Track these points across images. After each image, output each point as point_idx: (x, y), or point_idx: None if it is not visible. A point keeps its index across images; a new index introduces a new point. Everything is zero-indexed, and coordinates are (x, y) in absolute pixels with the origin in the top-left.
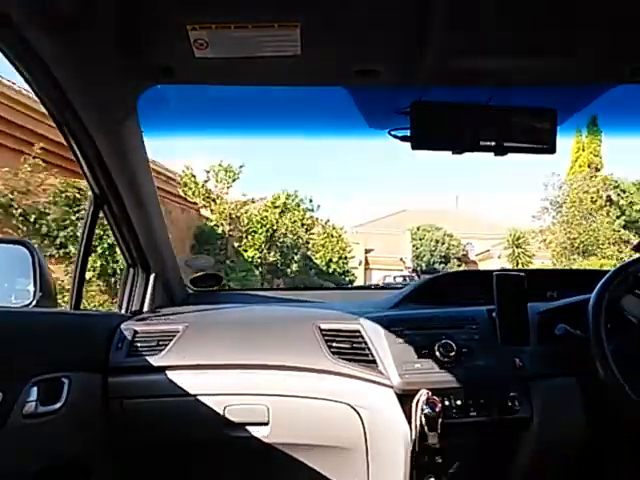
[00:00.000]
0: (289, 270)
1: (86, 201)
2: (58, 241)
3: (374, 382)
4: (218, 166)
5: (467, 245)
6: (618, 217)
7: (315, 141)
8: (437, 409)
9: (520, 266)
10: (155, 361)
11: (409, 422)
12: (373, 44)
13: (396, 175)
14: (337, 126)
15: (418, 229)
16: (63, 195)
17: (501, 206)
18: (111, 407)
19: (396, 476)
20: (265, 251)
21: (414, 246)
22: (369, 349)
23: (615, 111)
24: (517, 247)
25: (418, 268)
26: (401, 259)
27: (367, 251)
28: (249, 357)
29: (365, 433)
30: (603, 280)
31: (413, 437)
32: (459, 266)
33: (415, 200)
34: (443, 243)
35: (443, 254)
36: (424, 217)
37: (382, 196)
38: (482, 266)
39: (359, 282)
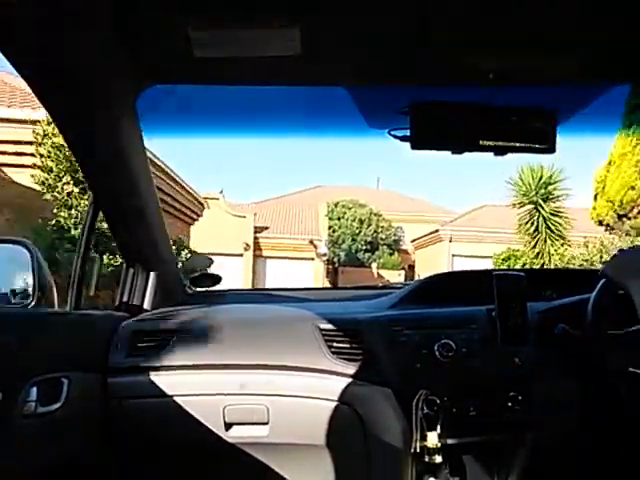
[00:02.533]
0: None
1: None
2: None
3: (374, 382)
4: None
5: (397, 229)
6: None
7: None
8: (436, 409)
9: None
10: (154, 361)
11: (409, 422)
12: (373, 44)
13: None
14: (337, 126)
15: (336, 205)
16: None
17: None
18: (111, 407)
19: (396, 476)
20: None
21: (330, 228)
22: (369, 349)
23: (614, 111)
24: None
25: (335, 258)
26: (311, 242)
27: (258, 230)
28: (248, 357)
29: (365, 433)
30: (604, 280)
31: (413, 437)
32: (391, 255)
33: (332, 178)
34: (369, 225)
35: (369, 239)
36: (342, 195)
37: (293, 172)
38: (424, 253)
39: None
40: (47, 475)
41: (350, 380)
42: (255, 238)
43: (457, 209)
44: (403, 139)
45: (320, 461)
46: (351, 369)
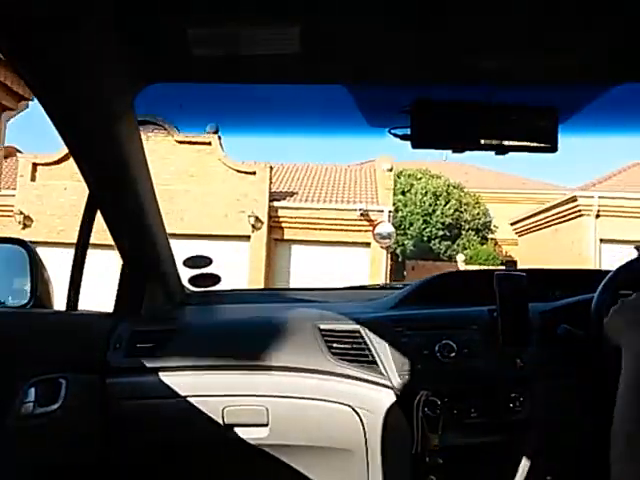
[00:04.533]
0: None
1: None
2: None
3: (374, 383)
4: None
5: (485, 210)
6: None
7: None
8: (438, 410)
9: None
10: (153, 362)
11: (410, 423)
12: (373, 43)
13: None
14: (336, 125)
15: (399, 176)
16: None
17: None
18: (109, 408)
19: (397, 478)
20: None
21: (394, 205)
22: (369, 350)
23: (615, 111)
24: None
25: (399, 249)
26: (365, 215)
27: (277, 197)
28: (248, 358)
29: (365, 434)
30: (606, 279)
31: (414, 438)
32: (482, 243)
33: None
34: (447, 201)
35: (448, 220)
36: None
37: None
38: (535, 240)
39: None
40: (45, 476)
41: (350, 381)
42: (272, 210)
43: (569, 184)
44: (404, 138)
45: (320, 463)
46: (352, 370)
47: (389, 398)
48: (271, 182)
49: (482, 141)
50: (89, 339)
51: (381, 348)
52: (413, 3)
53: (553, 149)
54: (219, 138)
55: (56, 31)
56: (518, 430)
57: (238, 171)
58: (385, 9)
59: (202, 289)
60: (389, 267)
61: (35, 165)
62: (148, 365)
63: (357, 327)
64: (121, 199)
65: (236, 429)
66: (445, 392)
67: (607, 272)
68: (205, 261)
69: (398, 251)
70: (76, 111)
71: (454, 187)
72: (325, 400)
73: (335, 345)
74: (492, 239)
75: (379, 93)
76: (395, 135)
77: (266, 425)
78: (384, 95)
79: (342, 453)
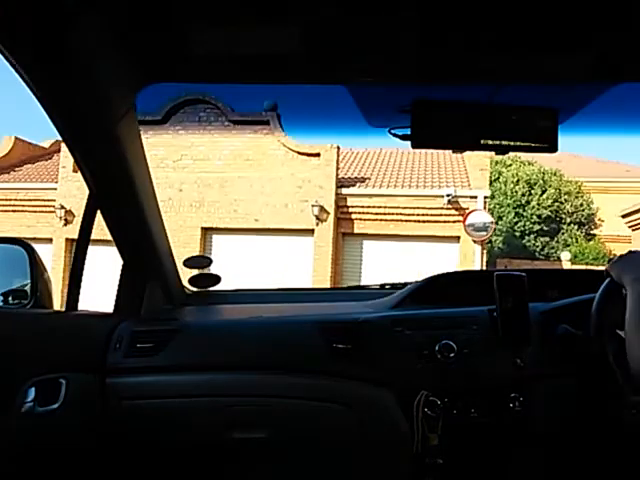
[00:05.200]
0: None
1: None
2: None
3: (374, 383)
4: None
5: (589, 201)
6: None
7: None
8: (438, 410)
9: None
10: (153, 362)
11: (409, 423)
12: (373, 42)
13: None
14: (336, 124)
15: (495, 163)
16: None
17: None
18: (109, 408)
19: (397, 478)
20: None
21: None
22: (370, 350)
23: (615, 111)
24: None
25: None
26: (454, 202)
27: (346, 183)
28: (248, 358)
29: (366, 434)
30: (608, 279)
31: (414, 438)
32: (589, 239)
33: None
34: (544, 190)
35: (546, 213)
36: None
37: None
38: None
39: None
40: (45, 476)
41: (351, 381)
42: (339, 198)
43: None
44: (404, 138)
45: (321, 463)
46: (352, 370)
47: (389, 398)
48: (338, 166)
49: (482, 141)
50: (89, 339)
51: (381, 348)
52: (413, 3)
53: (553, 149)
54: (278, 116)
55: (56, 31)
56: (518, 430)
57: (299, 153)
58: (385, 9)
59: (202, 289)
60: (484, 265)
61: None
62: (148, 365)
63: (357, 327)
64: (121, 199)
65: (236, 429)
66: (445, 392)
67: None
68: (205, 261)
69: (486, 247)
70: (76, 111)
71: (552, 174)
72: (325, 400)
73: (335, 345)
74: (597, 235)
75: (379, 93)
76: (395, 135)
77: (266, 425)
78: (384, 95)
79: (342, 453)
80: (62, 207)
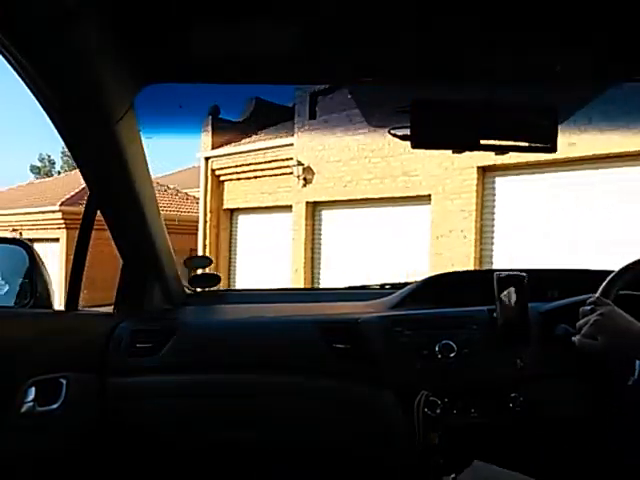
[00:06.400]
0: None
1: None
2: None
3: (374, 383)
4: None
5: None
6: None
7: None
8: (438, 410)
9: None
10: (153, 362)
11: (409, 423)
12: (373, 42)
13: None
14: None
15: None
16: None
17: None
18: (109, 408)
19: (397, 478)
20: None
21: None
22: (369, 350)
23: (615, 110)
24: None
25: None
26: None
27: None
28: (248, 358)
29: (365, 434)
30: (607, 280)
31: (414, 438)
32: None
33: None
34: None
35: None
36: None
37: None
38: None
39: None
40: (45, 475)
41: (351, 381)
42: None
43: None
44: (403, 138)
45: (320, 463)
46: (351, 370)
47: (389, 398)
48: None
49: (482, 141)
50: (89, 339)
51: (381, 348)
52: (413, 3)
53: (553, 149)
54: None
55: (56, 31)
56: (518, 430)
57: None
58: (385, 9)
59: (202, 289)
60: None
61: (314, 95)
62: (148, 365)
63: (357, 327)
64: (121, 199)
65: (236, 429)
66: (445, 392)
67: (607, 272)
68: (205, 261)
69: None
70: (76, 111)
71: None
72: (325, 400)
73: (335, 344)
74: None
75: (379, 93)
76: (395, 135)
77: (266, 425)
78: (384, 95)
79: (342, 453)
80: (299, 163)
